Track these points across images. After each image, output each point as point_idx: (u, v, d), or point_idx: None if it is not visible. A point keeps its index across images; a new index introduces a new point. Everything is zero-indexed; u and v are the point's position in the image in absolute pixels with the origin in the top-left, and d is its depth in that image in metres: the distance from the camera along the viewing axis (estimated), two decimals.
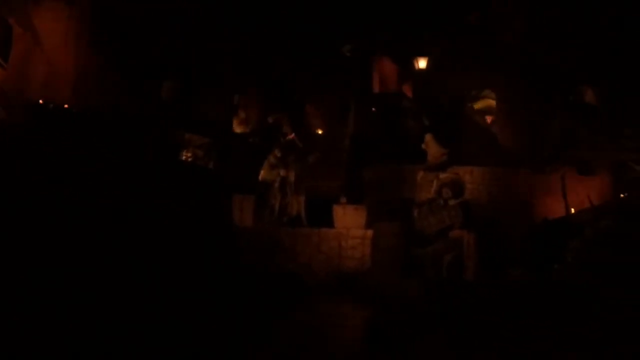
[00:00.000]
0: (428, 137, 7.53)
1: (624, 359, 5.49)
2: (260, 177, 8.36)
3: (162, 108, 9.16)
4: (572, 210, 8.57)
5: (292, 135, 10.59)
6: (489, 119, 10.44)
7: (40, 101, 7.41)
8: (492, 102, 10.49)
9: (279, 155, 8.38)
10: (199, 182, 6.47)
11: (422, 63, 10.45)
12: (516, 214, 9.18)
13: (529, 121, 9.80)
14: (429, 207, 6.93)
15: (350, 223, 7.99)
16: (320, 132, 12.23)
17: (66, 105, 7.52)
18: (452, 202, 7.00)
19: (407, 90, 11.51)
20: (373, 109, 11.03)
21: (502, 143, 10.15)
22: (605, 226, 7.75)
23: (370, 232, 7.70)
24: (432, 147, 7.47)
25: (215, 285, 5.88)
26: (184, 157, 8.34)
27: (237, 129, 11.43)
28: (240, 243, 7.54)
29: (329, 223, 8.24)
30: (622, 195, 8.61)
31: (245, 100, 11.67)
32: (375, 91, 11.76)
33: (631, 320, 6.59)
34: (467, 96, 10.62)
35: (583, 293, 7.28)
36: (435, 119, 10.38)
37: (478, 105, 10.69)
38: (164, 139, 7.50)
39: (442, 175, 7.15)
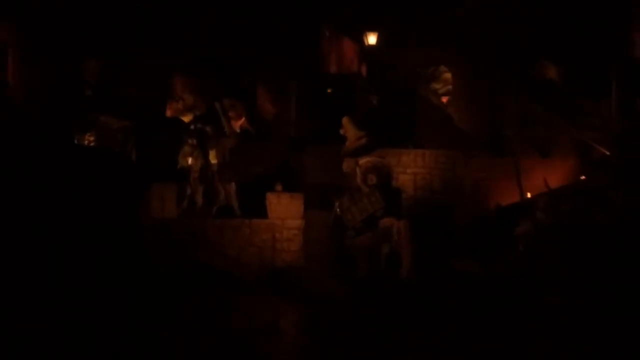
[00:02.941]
0: (345, 120, 6.87)
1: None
2: (178, 166, 7.66)
3: (84, 89, 8.39)
4: (528, 195, 7.97)
5: (242, 120, 9.94)
6: (444, 99, 9.78)
7: None
8: (449, 81, 9.82)
9: (193, 142, 7.67)
10: (101, 169, 5.75)
11: (372, 39, 9.76)
12: (471, 199, 8.62)
13: (486, 100, 9.17)
14: (351, 197, 6.27)
15: (285, 213, 7.30)
16: (271, 115, 11.58)
17: None
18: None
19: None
20: (329, 90, 10.39)
21: (458, 124, 9.51)
22: (560, 211, 7.16)
23: None
24: (350, 131, 6.81)
25: (110, 287, 5.21)
26: (85, 142, 7.58)
27: (179, 114, 10.73)
28: (160, 237, 6.86)
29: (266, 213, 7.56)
30: (581, 178, 8.00)
31: (188, 84, 10.95)
32: (332, 71, 11.13)
33: (582, 308, 6.04)
34: (423, 74, 9.94)
35: (532, 283, 6.72)
36: (387, 98, 9.71)
37: (435, 84, 10.02)
38: (65, 123, 6.75)
39: (362, 161, 6.49)
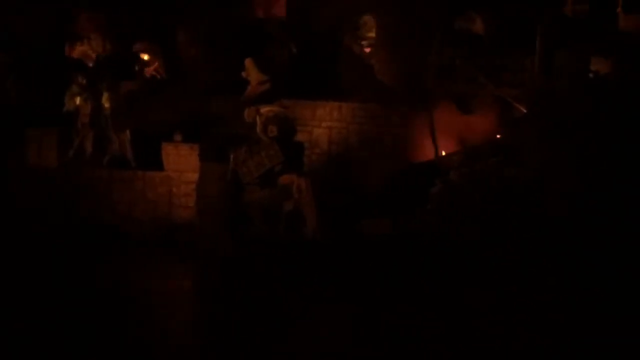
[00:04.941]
0: (248, 61, 6.28)
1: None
2: (64, 109, 6.86)
3: None
4: (443, 153, 7.67)
5: (155, 65, 9.15)
6: (367, 49, 9.25)
7: None
8: (373, 31, 9.29)
9: (83, 82, 6.88)
10: None
11: None
12: (389, 156, 8.26)
13: (408, 52, 8.71)
14: (248, 150, 5.73)
15: (184, 165, 6.70)
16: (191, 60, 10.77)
17: None
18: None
19: None
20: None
21: (380, 77, 9.04)
22: (473, 170, 6.87)
23: None
24: (252, 74, 6.23)
25: None
26: None
27: (86, 57, 9.77)
28: (36, 189, 6.14)
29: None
30: (497, 136, 7.76)
31: (95, 21, 9.94)
32: (259, 16, 10.40)
33: (495, 268, 5.86)
34: (346, 22, 9.35)
35: (443, 245, 6.48)
36: (308, 47, 9.11)
37: (358, 33, 9.46)
38: None
39: (264, 109, 5.94)
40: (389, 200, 7.32)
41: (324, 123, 8.19)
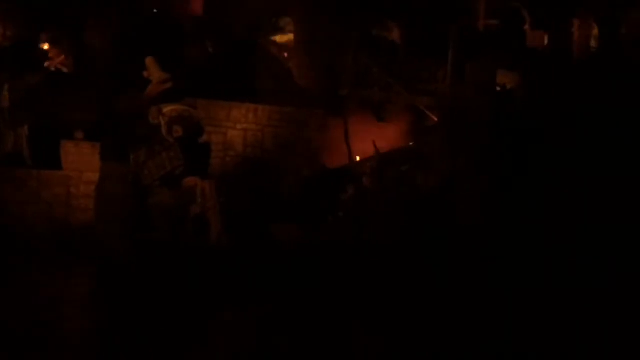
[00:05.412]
0: (149, 60, 6.00)
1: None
2: None
3: None
4: (357, 159, 7.71)
5: (61, 59, 8.59)
6: (285, 52, 9.19)
7: None
8: (292, 34, 9.23)
9: None
10: None
11: None
12: (304, 160, 8.20)
13: (325, 57, 8.72)
14: (149, 150, 5.44)
15: (85, 165, 6.30)
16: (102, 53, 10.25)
17: None
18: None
19: None
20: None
21: (298, 81, 8.99)
22: (385, 176, 6.92)
23: None
24: (154, 73, 5.96)
25: None
26: None
27: None
28: None
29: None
30: (410, 144, 7.90)
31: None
32: (174, 13, 10.03)
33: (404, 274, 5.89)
34: (265, 24, 9.24)
35: (354, 252, 6.47)
36: (226, 47, 8.91)
37: (278, 37, 9.37)
38: None
39: (166, 109, 5.68)
40: (303, 205, 7.26)
41: (239, 125, 8.02)
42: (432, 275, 5.49)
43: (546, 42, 9.60)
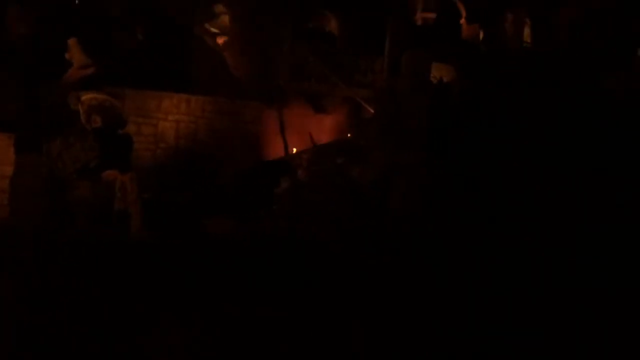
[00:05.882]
0: (72, 42, 5.69)
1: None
2: None
3: None
4: (294, 150, 7.56)
5: None
6: (220, 40, 8.89)
7: None
8: (226, 22, 8.94)
9: None
10: None
11: None
12: (240, 153, 7.98)
13: (261, 47, 8.50)
14: (64, 141, 5.13)
15: (1, 158, 5.85)
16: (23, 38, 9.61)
17: None
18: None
19: None
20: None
21: (233, 71, 8.73)
22: (320, 169, 6.81)
23: None
24: (76, 56, 5.64)
25: None
26: None
27: None
28: None
29: None
30: (348, 135, 7.81)
31: None
32: None
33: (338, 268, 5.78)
34: (199, 10, 8.90)
35: (289, 245, 6.32)
36: (158, 35, 8.52)
37: (212, 24, 9.05)
38: None
39: (85, 97, 5.38)
40: (238, 198, 7.04)
41: (170, 116, 7.69)
42: (364, 269, 5.41)
43: (481, 36, 9.75)
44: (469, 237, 5.88)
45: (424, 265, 5.61)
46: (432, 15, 9.60)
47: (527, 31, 9.67)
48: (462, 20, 9.82)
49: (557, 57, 7.49)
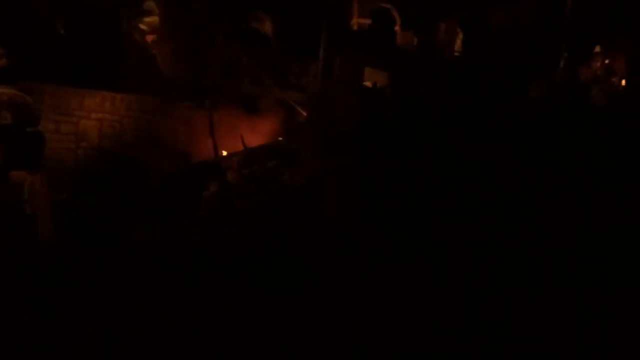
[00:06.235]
0: None
1: None
2: None
3: None
4: (224, 153, 7.37)
5: None
6: (149, 38, 8.58)
7: None
8: (156, 19, 8.64)
9: None
10: None
11: None
12: (168, 155, 7.69)
13: (192, 46, 8.26)
14: None
15: None
16: None
17: None
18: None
19: None
20: None
21: (163, 69, 8.43)
22: (251, 172, 6.66)
23: None
24: None
25: None
26: None
27: None
28: None
29: None
30: (279, 139, 7.69)
31: None
32: None
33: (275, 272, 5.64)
34: (128, 6, 8.56)
35: (216, 251, 6.14)
36: (80, 29, 8.13)
37: (143, 22, 8.73)
38: None
39: None
40: (165, 202, 6.78)
41: (93, 114, 7.36)
42: (290, 274, 5.30)
43: (415, 43, 9.87)
44: (402, 242, 5.90)
45: (353, 272, 5.57)
46: (367, 21, 9.64)
47: (459, 40, 9.90)
48: (397, 28, 9.92)
49: (484, 66, 7.69)
